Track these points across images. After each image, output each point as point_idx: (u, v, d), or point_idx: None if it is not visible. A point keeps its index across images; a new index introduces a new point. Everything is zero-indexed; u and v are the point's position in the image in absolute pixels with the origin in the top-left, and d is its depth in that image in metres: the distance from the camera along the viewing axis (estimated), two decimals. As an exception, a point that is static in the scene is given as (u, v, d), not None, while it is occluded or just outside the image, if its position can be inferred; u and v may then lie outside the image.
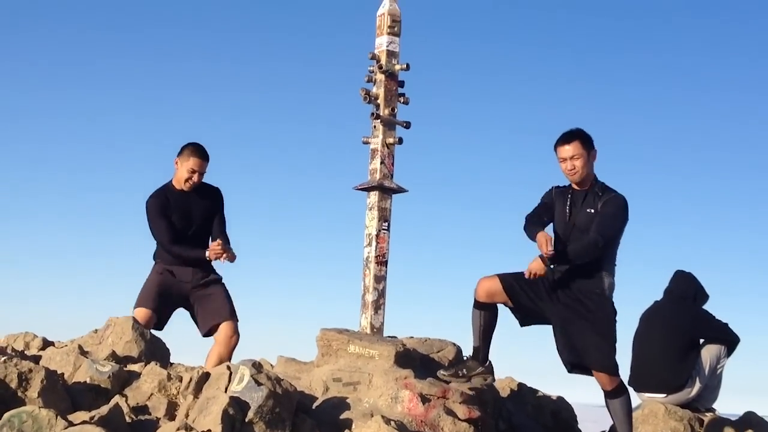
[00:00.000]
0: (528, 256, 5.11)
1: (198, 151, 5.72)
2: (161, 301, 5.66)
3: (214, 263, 5.76)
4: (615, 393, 4.96)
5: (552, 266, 4.91)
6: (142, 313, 5.57)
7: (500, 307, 5.11)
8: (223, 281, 5.82)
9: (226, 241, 5.70)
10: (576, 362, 5.00)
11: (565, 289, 4.97)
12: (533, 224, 5.04)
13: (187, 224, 5.73)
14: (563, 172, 5.04)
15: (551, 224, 5.13)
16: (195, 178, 5.71)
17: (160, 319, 5.67)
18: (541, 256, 4.85)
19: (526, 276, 4.91)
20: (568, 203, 5.04)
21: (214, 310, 5.68)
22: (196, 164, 5.69)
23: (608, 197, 4.96)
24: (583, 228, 4.94)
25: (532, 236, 4.96)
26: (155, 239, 5.73)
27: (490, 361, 5.18)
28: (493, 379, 5.26)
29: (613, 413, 5.02)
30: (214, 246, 5.58)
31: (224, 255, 5.55)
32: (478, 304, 5.07)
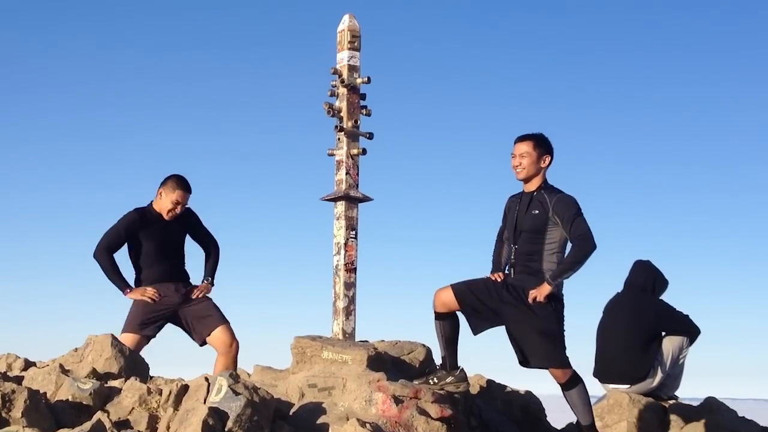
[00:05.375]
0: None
1: (182, 184, 5.97)
2: (147, 323, 5.88)
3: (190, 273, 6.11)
4: (570, 384, 5.04)
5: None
6: (129, 339, 5.78)
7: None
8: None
9: (214, 258, 6.18)
10: (525, 365, 5.12)
11: (512, 290, 5.09)
12: (493, 259, 5.41)
13: (161, 247, 5.98)
14: (511, 167, 5.21)
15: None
16: (178, 209, 5.96)
17: (148, 339, 5.91)
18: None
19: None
20: (518, 208, 5.20)
21: (205, 318, 5.93)
22: (181, 196, 5.94)
23: (557, 197, 5.06)
24: (528, 230, 5.08)
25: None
26: (101, 239, 5.89)
27: (462, 369, 5.25)
28: (467, 386, 5.31)
29: (572, 404, 5.11)
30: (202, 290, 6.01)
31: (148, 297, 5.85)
32: (437, 315, 5.21)
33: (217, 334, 5.87)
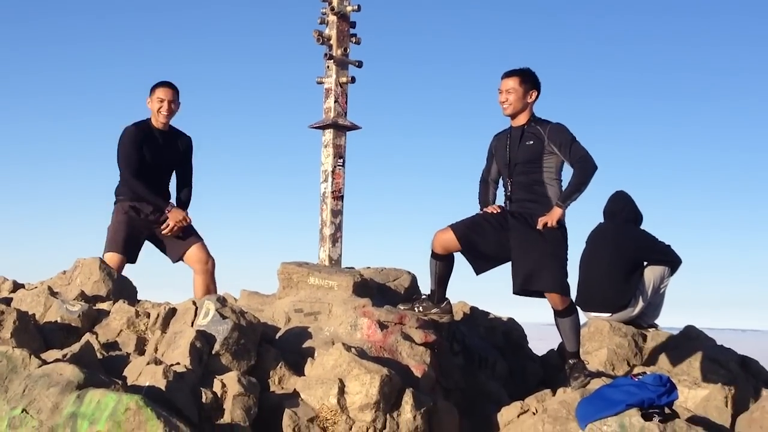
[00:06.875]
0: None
1: (164, 82, 5.89)
2: (130, 242, 5.85)
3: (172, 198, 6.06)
4: (565, 312, 5.10)
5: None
6: (113, 258, 5.76)
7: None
8: None
9: (188, 193, 6.07)
10: (528, 287, 5.10)
11: (518, 217, 5.12)
12: (481, 201, 5.42)
13: (156, 164, 5.90)
14: (498, 103, 5.21)
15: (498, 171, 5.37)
16: (165, 106, 5.86)
17: (130, 259, 5.89)
18: None
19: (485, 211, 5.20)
20: (509, 142, 5.21)
21: (180, 236, 5.91)
22: (162, 92, 5.85)
23: (549, 127, 5.11)
24: (523, 161, 5.11)
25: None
26: (120, 167, 5.85)
27: (448, 300, 5.34)
28: (451, 318, 5.39)
29: (563, 331, 5.16)
30: (179, 220, 5.84)
31: (175, 228, 5.83)
32: (435, 255, 5.25)
33: (193, 252, 5.90)
